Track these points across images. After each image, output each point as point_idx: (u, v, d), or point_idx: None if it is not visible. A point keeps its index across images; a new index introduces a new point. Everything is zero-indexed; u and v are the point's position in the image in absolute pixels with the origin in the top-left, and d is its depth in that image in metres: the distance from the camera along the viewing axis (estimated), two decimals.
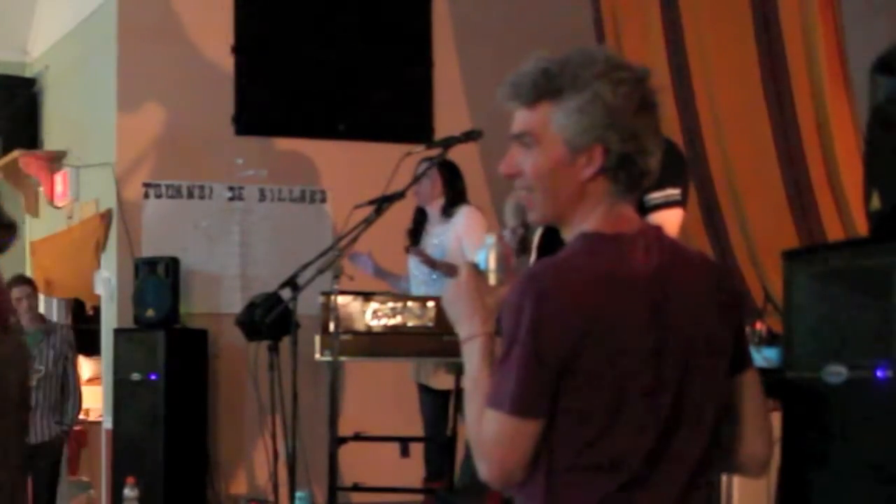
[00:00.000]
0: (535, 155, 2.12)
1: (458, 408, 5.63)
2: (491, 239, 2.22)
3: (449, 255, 6.00)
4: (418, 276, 6.09)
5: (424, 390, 6.14)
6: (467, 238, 5.90)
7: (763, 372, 2.32)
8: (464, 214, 6.04)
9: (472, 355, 2.13)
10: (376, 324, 5.38)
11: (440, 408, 6.01)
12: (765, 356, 4.51)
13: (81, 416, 8.33)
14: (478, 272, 2.19)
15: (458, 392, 5.59)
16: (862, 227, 4.35)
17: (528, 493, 2.08)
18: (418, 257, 5.99)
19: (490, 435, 2.04)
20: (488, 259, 2.19)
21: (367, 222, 5.27)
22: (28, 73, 9.46)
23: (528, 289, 2.04)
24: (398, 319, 5.39)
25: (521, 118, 2.13)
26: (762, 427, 2.22)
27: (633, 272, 2.07)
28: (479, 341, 2.12)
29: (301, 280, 5.22)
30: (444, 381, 5.90)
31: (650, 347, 2.05)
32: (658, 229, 2.17)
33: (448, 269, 5.82)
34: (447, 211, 6.09)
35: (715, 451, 2.14)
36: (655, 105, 2.12)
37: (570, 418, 2.03)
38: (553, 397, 2.02)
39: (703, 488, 2.13)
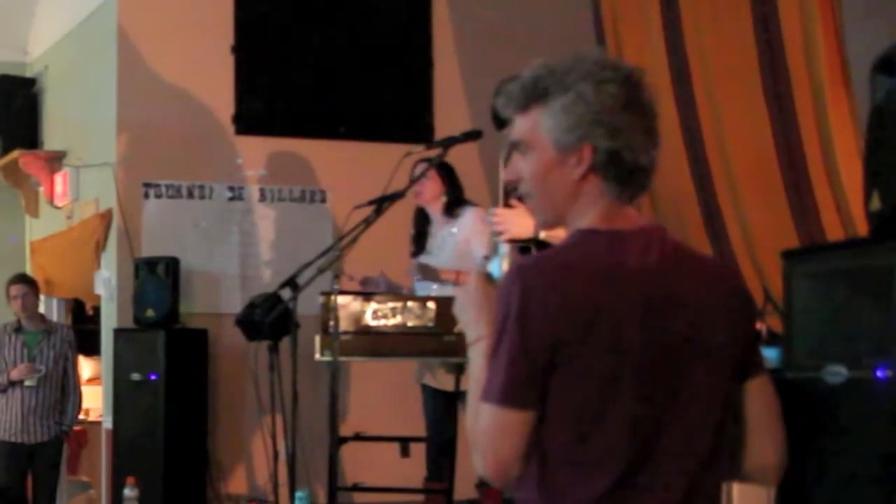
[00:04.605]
0: (530, 160, 2.16)
1: (464, 408, 5.63)
2: (504, 248, 2.25)
3: (455, 254, 5.99)
4: (424, 284, 6.09)
5: (427, 391, 6.14)
6: (476, 240, 5.89)
7: None
8: (470, 216, 6.02)
9: (477, 357, 2.14)
10: (376, 324, 5.38)
11: (443, 408, 6.01)
12: (765, 356, 4.51)
13: (81, 416, 8.34)
14: (488, 279, 2.22)
15: (460, 392, 5.59)
16: (862, 227, 4.35)
17: (524, 489, 2.09)
18: (420, 274, 5.98)
19: (483, 427, 2.06)
20: (501, 267, 2.21)
21: (367, 222, 5.27)
22: (28, 73, 9.47)
23: (515, 280, 2.06)
24: (398, 319, 5.39)
25: (516, 126, 2.17)
26: (773, 435, 2.20)
27: (626, 268, 2.08)
28: (484, 344, 2.13)
29: (301, 280, 5.22)
30: (448, 382, 5.90)
31: (641, 344, 2.05)
32: (661, 229, 2.17)
33: (454, 277, 5.81)
34: (451, 210, 6.08)
35: (724, 456, 2.14)
36: (646, 103, 2.13)
37: (560, 412, 2.04)
38: (543, 389, 2.03)
39: (709, 492, 2.12)
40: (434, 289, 5.94)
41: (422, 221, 6.25)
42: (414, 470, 6.08)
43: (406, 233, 6.35)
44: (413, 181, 5.72)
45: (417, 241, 6.25)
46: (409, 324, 5.38)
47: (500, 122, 5.00)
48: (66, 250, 8.41)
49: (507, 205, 4.73)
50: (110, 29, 7.68)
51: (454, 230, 6.06)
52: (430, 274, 5.97)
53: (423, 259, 6.14)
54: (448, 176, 6.12)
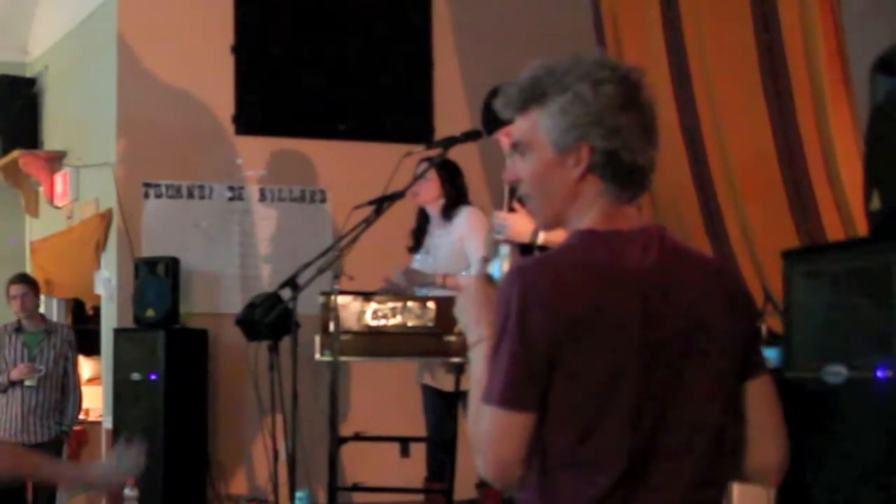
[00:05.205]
0: (529, 161, 2.16)
1: (464, 409, 5.63)
2: (505, 249, 2.25)
3: (451, 255, 5.99)
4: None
5: (427, 391, 6.13)
6: (470, 238, 5.89)
7: None
8: (465, 215, 6.03)
9: (478, 359, 2.14)
10: (376, 324, 5.38)
11: (443, 409, 6.00)
12: (765, 356, 4.51)
13: (81, 416, 8.33)
14: (488, 280, 2.22)
15: (461, 393, 5.58)
16: (862, 227, 4.35)
17: (525, 490, 2.09)
18: (405, 282, 5.96)
19: (484, 429, 2.06)
20: (502, 268, 2.21)
21: (367, 222, 5.27)
22: (28, 73, 9.47)
23: (515, 281, 2.06)
24: (398, 319, 5.38)
25: (515, 127, 2.18)
26: (774, 435, 2.20)
27: (625, 268, 2.08)
28: (485, 345, 2.13)
29: (301, 280, 5.22)
30: (448, 382, 5.89)
31: (640, 344, 2.05)
32: (661, 228, 2.17)
33: (441, 281, 5.81)
34: (447, 212, 6.08)
35: (725, 456, 2.13)
36: (645, 103, 2.13)
37: (561, 413, 2.04)
38: (543, 389, 2.03)
39: (710, 492, 2.12)
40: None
41: (423, 219, 6.24)
42: (414, 470, 6.07)
43: (406, 233, 6.34)
44: (413, 181, 5.71)
45: (416, 237, 6.24)
46: (409, 324, 5.38)
47: (491, 126, 4.99)
48: (66, 250, 8.41)
49: (510, 208, 4.73)
50: (110, 29, 7.68)
51: (449, 231, 6.06)
52: (416, 279, 5.96)
53: (420, 258, 6.14)
54: (449, 177, 6.09)
